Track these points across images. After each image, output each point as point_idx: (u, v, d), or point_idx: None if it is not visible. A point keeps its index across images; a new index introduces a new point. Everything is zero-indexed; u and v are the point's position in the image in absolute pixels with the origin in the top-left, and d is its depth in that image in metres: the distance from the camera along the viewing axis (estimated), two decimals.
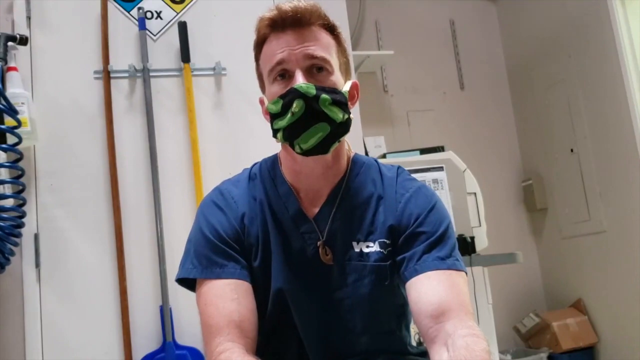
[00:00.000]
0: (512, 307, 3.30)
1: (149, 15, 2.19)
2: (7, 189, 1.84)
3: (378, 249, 1.05)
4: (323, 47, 1.02)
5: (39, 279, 1.97)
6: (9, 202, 1.82)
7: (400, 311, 1.11)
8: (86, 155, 2.07)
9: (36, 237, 1.98)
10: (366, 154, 2.36)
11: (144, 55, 2.13)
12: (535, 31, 3.38)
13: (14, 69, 1.96)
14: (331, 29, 1.06)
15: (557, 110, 3.23)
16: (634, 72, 2.73)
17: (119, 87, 2.13)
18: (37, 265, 1.97)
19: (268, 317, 1.06)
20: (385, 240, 1.06)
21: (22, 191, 1.82)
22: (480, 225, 2.18)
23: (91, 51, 2.12)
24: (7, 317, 1.93)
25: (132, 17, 2.18)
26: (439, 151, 2.38)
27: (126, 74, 2.13)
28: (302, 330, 1.06)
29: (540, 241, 3.49)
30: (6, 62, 1.91)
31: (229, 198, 1.10)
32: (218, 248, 1.05)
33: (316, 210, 1.08)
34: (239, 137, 2.18)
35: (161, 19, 2.21)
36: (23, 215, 1.83)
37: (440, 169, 2.15)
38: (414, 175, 1.16)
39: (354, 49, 3.10)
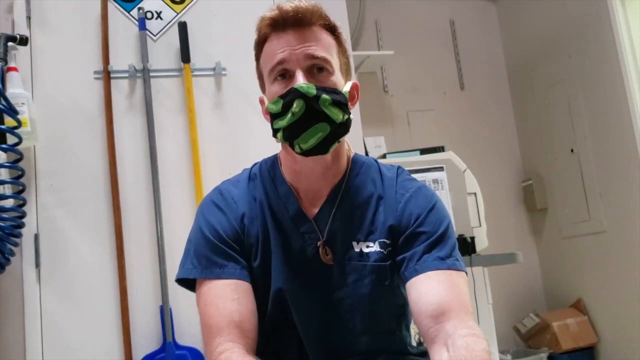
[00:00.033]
0: (512, 307, 3.30)
1: (149, 15, 2.19)
2: (7, 189, 1.84)
3: (378, 249, 1.05)
4: (324, 47, 1.02)
5: (39, 279, 1.97)
6: (9, 202, 1.82)
7: (401, 311, 1.11)
8: (86, 155, 2.07)
9: (36, 237, 1.98)
10: (366, 154, 2.35)
11: (144, 55, 2.13)
12: (535, 31, 3.38)
13: (14, 69, 1.96)
14: (332, 29, 1.06)
15: (557, 110, 3.23)
16: (634, 72, 2.73)
17: (119, 87, 2.13)
18: (37, 265, 1.97)
19: (268, 317, 1.06)
20: (385, 240, 1.06)
21: (22, 191, 1.82)
22: (480, 225, 2.18)
23: (91, 51, 2.12)
24: (7, 317, 1.93)
25: (132, 17, 2.18)
26: (439, 151, 2.38)
27: (126, 74, 2.13)
28: (302, 330, 1.05)
29: (540, 241, 3.49)
30: (6, 62, 1.91)
31: (229, 198, 1.10)
32: (218, 248, 1.05)
33: (316, 210, 1.08)
34: (239, 137, 2.18)
35: (161, 19, 2.21)
36: (23, 215, 1.83)
37: (440, 169, 2.15)
38: (414, 176, 1.16)
39: (354, 49, 3.10)
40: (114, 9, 2.16)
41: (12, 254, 1.81)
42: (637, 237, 2.72)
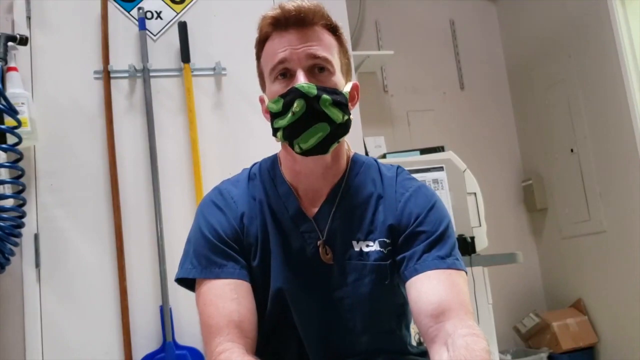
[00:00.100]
0: (512, 307, 3.30)
1: (149, 15, 2.19)
2: (7, 189, 1.85)
3: (378, 248, 1.05)
4: (325, 47, 1.02)
5: (39, 279, 1.97)
6: (9, 202, 1.82)
7: (401, 311, 1.11)
8: (86, 155, 2.07)
9: (36, 237, 1.98)
10: (366, 154, 2.35)
11: (144, 55, 2.13)
12: (535, 31, 3.38)
13: (14, 69, 1.96)
14: (333, 30, 1.06)
15: (557, 110, 3.23)
16: (634, 72, 2.73)
17: (119, 87, 2.13)
18: (37, 265, 1.97)
19: (268, 317, 1.06)
20: (385, 240, 1.06)
21: (22, 191, 1.82)
22: (480, 225, 2.18)
23: (91, 51, 2.12)
24: (7, 317, 1.93)
25: (132, 17, 2.18)
26: (439, 151, 2.38)
27: (126, 74, 2.13)
28: (302, 330, 1.05)
29: (540, 241, 3.49)
30: (6, 62, 1.91)
31: (229, 198, 1.10)
32: (217, 248, 1.05)
33: (316, 209, 1.08)
34: (239, 137, 2.18)
35: (161, 19, 2.21)
36: (23, 215, 1.83)
37: (440, 169, 2.15)
38: (414, 176, 1.16)
39: (354, 49, 3.10)
40: (114, 9, 2.16)
41: (12, 254, 1.81)
42: (637, 237, 2.72)
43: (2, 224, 1.73)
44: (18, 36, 1.97)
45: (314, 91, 0.97)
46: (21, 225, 1.82)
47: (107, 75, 2.09)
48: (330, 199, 1.08)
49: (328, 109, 0.99)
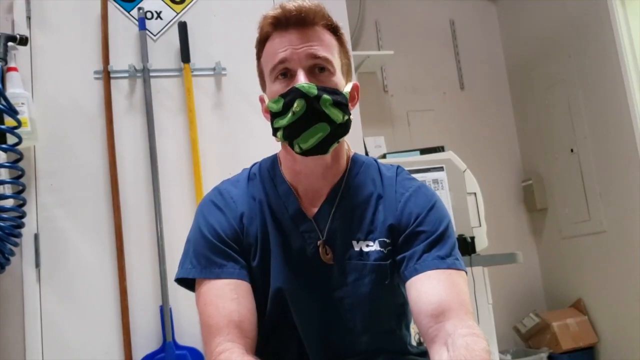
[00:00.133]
0: (512, 307, 3.30)
1: (149, 15, 2.19)
2: (7, 189, 1.85)
3: (378, 248, 1.05)
4: (326, 47, 1.02)
5: (39, 279, 1.97)
6: (9, 202, 1.82)
7: (401, 310, 1.11)
8: (86, 155, 2.07)
9: (36, 237, 1.98)
10: (366, 154, 2.35)
11: (144, 55, 2.13)
12: (535, 31, 3.38)
13: (14, 69, 1.96)
14: (334, 30, 1.06)
15: (557, 110, 3.23)
16: (634, 72, 2.73)
17: (119, 87, 2.13)
18: (37, 265, 1.97)
19: (267, 317, 1.06)
20: (385, 240, 1.06)
21: (22, 191, 1.82)
22: (480, 225, 2.18)
23: (91, 51, 2.12)
24: (7, 317, 1.93)
25: (132, 17, 2.18)
26: (439, 151, 2.38)
27: (126, 74, 2.13)
28: (302, 330, 1.05)
29: (540, 241, 3.49)
30: (6, 62, 1.91)
31: (228, 198, 1.10)
32: (217, 248, 1.05)
33: (316, 209, 1.08)
34: (239, 137, 2.18)
35: (161, 19, 2.21)
36: (23, 215, 1.83)
37: (440, 169, 2.15)
38: (414, 176, 1.16)
39: (354, 49, 3.10)
40: (114, 9, 2.16)
41: (12, 254, 1.81)
42: (637, 237, 2.72)
43: (2, 224, 1.73)
44: (18, 36, 1.97)
45: (315, 91, 0.97)
46: (21, 225, 1.82)
47: (107, 75, 2.09)
48: (330, 199, 1.08)
49: (328, 109, 0.99)
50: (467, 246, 2.10)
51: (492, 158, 3.48)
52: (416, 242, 1.03)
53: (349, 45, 1.14)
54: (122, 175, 2.06)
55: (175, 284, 1.10)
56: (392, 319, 1.10)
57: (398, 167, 1.15)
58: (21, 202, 1.84)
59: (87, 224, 2.04)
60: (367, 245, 1.06)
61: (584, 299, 3.13)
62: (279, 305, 1.05)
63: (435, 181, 2.13)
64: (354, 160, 1.13)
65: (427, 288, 0.98)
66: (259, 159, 1.18)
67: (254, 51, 1.09)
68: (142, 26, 2.15)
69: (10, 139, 1.78)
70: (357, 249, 1.06)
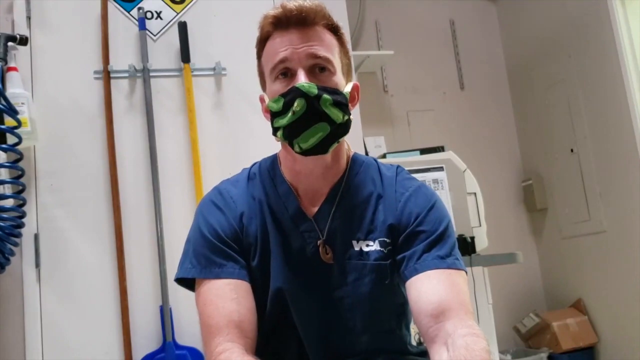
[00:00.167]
0: (512, 307, 3.30)
1: (149, 15, 2.19)
2: (7, 189, 1.85)
3: (378, 248, 1.05)
4: (326, 47, 1.02)
5: (39, 279, 1.97)
6: (9, 202, 1.82)
7: (401, 310, 1.11)
8: (86, 155, 2.07)
9: (36, 237, 1.98)
10: (366, 154, 2.35)
11: (144, 55, 2.13)
12: (535, 31, 3.38)
13: (14, 69, 1.96)
14: (335, 30, 1.06)
15: (557, 110, 3.23)
16: (634, 72, 2.73)
17: (119, 87, 2.13)
18: (37, 265, 1.97)
19: (267, 317, 1.06)
20: (385, 239, 1.06)
21: (22, 191, 1.82)
22: (480, 225, 2.18)
23: (91, 51, 2.12)
24: (7, 317, 1.93)
25: (132, 17, 2.18)
26: (439, 151, 2.38)
27: (126, 74, 2.13)
28: (302, 329, 1.05)
29: (540, 241, 3.49)
30: (6, 62, 1.91)
31: (228, 198, 1.10)
32: (217, 248, 1.05)
33: (315, 209, 1.08)
34: (239, 137, 2.18)
35: (161, 19, 2.21)
36: (23, 215, 1.83)
37: (440, 169, 2.15)
38: (414, 176, 1.16)
39: (354, 49, 3.10)
40: (114, 9, 2.16)
41: (12, 254, 1.81)
42: (637, 237, 2.72)
43: (2, 224, 1.73)
44: (18, 36, 1.97)
45: (315, 91, 0.97)
46: (21, 225, 1.82)
47: (107, 75, 2.09)
48: (330, 199, 1.08)
49: (328, 108, 0.99)
50: (467, 246, 2.10)
51: (492, 158, 3.48)
52: (416, 241, 1.03)
53: (349, 45, 1.14)
54: (122, 175, 2.06)
55: (175, 283, 1.09)
56: (392, 319, 1.10)
57: (398, 166, 1.15)
58: (21, 202, 1.84)
59: (87, 224, 2.04)
60: (367, 245, 1.06)
61: (584, 299, 3.13)
62: (278, 305, 1.05)
63: (435, 181, 2.13)
64: (354, 160, 1.13)
65: (427, 288, 0.98)
66: (259, 159, 1.18)
67: (254, 51, 1.09)
68: (142, 26, 2.16)
69: (10, 139, 1.78)
70: (357, 248, 1.06)
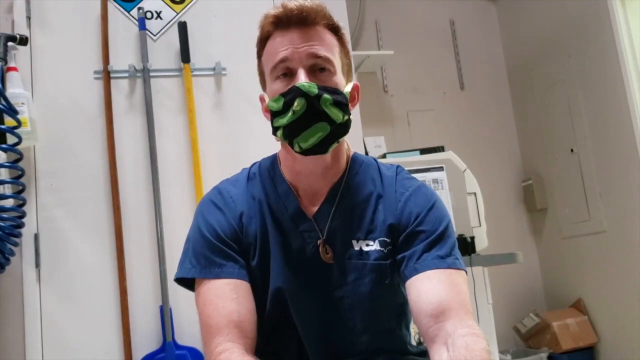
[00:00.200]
0: (512, 307, 3.30)
1: (149, 15, 2.19)
2: (7, 189, 1.84)
3: (378, 248, 1.05)
4: (327, 47, 1.02)
5: (39, 279, 1.97)
6: (9, 202, 1.82)
7: (401, 310, 1.11)
8: (86, 155, 2.07)
9: (36, 237, 1.98)
10: (366, 154, 2.35)
11: (144, 55, 2.13)
12: (535, 31, 3.38)
13: (14, 69, 1.96)
14: (335, 30, 1.06)
15: (557, 110, 3.23)
16: (634, 72, 2.73)
17: (119, 87, 2.13)
18: (37, 265, 1.97)
19: (267, 317, 1.05)
20: (385, 239, 1.06)
21: (22, 191, 1.82)
22: (480, 225, 2.18)
23: (91, 51, 2.12)
24: (7, 317, 1.93)
25: (132, 17, 2.18)
26: (439, 151, 2.38)
27: (126, 74, 2.13)
28: (301, 329, 1.05)
29: (540, 241, 3.49)
30: (6, 62, 1.91)
31: (228, 197, 1.10)
32: (216, 247, 1.05)
33: (315, 209, 1.08)
34: (239, 137, 2.18)
35: (161, 19, 2.21)
36: (23, 215, 1.83)
37: (440, 169, 2.15)
38: (414, 175, 1.16)
39: (354, 49, 3.10)
40: (113, 9, 2.16)
41: (12, 253, 1.81)
42: (637, 237, 2.72)
43: (2, 224, 1.73)
44: (18, 36, 1.97)
45: (315, 90, 0.97)
46: (21, 225, 1.82)
47: (107, 75, 2.09)
48: (330, 198, 1.08)
49: (328, 108, 0.99)
50: (467, 246, 2.10)
51: (492, 158, 3.48)
52: (416, 241, 1.03)
53: (349, 46, 1.14)
54: (122, 175, 2.06)
55: (175, 283, 1.09)
56: (392, 319, 1.10)
57: (398, 166, 1.15)
58: (21, 202, 1.84)
59: (87, 224, 2.04)
60: (367, 245, 1.06)
61: (584, 299, 3.13)
62: (278, 305, 1.05)
63: (435, 181, 2.13)
64: (354, 160, 1.13)
65: (427, 288, 0.98)
66: (258, 159, 1.18)
67: (253, 51, 1.09)
68: (142, 26, 2.15)
69: (10, 139, 1.78)
70: (357, 248, 1.06)
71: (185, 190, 2.10)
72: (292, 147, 1.01)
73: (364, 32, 3.46)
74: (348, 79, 1.08)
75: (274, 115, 1.02)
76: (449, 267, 1.00)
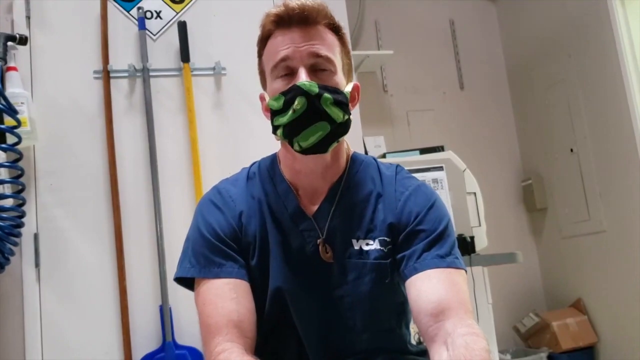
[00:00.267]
0: (512, 307, 3.30)
1: (148, 15, 2.19)
2: (7, 189, 1.84)
3: (378, 247, 1.05)
4: (328, 46, 1.02)
5: (38, 279, 1.97)
6: (9, 202, 1.82)
7: (400, 309, 1.11)
8: (86, 155, 2.07)
9: (36, 237, 1.98)
10: (366, 153, 2.35)
11: (143, 55, 2.13)
12: (535, 31, 3.38)
13: (14, 68, 1.96)
14: (336, 30, 1.06)
15: (557, 110, 3.23)
16: (634, 72, 2.73)
17: (119, 87, 2.13)
18: (37, 265, 1.97)
19: (267, 317, 1.05)
20: (385, 238, 1.06)
21: (21, 191, 1.82)
22: (480, 225, 2.18)
23: (91, 51, 2.12)
24: (7, 317, 1.93)
25: (132, 17, 2.18)
26: (439, 151, 2.38)
27: (126, 74, 2.13)
28: (301, 329, 1.05)
29: (540, 241, 3.49)
30: (6, 62, 1.91)
31: (227, 197, 1.10)
32: (216, 247, 1.05)
33: (315, 208, 1.08)
34: (238, 137, 2.17)
35: (161, 18, 2.21)
36: (23, 215, 1.83)
37: (440, 168, 2.15)
38: (414, 175, 1.16)
39: (353, 48, 3.10)
40: (113, 9, 2.16)
41: (12, 253, 1.81)
42: (637, 237, 2.72)
43: (1, 223, 1.73)
44: (18, 36, 1.97)
45: (316, 89, 0.97)
46: (21, 225, 1.82)
47: (106, 75, 2.09)
48: (330, 197, 1.08)
49: (329, 107, 0.99)
50: (466, 246, 2.10)
51: (492, 158, 3.48)
52: (416, 240, 1.03)
53: (349, 46, 1.14)
54: (122, 175, 2.06)
55: (175, 283, 1.09)
56: (392, 318, 1.10)
57: (397, 166, 1.15)
58: (21, 201, 1.84)
59: (87, 224, 2.04)
60: (367, 244, 1.06)
61: (583, 298, 3.13)
62: (278, 305, 1.05)
63: (435, 181, 2.13)
64: (354, 159, 1.13)
65: (427, 287, 0.98)
66: (258, 158, 1.18)
67: (253, 51, 1.09)
68: (141, 26, 2.15)
69: (10, 139, 1.78)
70: (356, 247, 1.06)
71: (185, 190, 2.10)
72: (292, 146, 1.01)
73: (363, 32, 3.46)
74: (348, 78, 1.08)
75: (274, 114, 1.02)
76: (448, 266, 1.00)
